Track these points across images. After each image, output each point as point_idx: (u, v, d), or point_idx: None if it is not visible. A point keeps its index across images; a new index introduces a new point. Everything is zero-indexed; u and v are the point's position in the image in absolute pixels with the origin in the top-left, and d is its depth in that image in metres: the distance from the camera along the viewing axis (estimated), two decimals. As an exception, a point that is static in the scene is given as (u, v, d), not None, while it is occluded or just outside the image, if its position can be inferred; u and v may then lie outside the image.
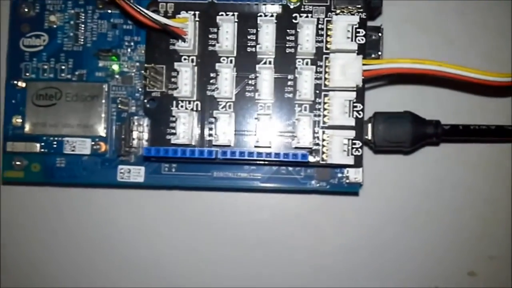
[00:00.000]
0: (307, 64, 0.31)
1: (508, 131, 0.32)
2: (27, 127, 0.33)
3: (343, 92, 0.30)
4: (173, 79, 0.31)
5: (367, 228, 0.35)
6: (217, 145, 0.31)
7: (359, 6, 0.31)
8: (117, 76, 0.33)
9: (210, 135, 0.31)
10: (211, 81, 0.31)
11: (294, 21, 0.31)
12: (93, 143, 0.33)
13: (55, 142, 0.33)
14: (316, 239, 0.35)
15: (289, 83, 0.31)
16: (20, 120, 0.33)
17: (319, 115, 0.31)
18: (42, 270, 0.36)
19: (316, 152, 0.31)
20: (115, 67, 0.33)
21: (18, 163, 0.33)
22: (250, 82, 0.31)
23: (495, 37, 0.35)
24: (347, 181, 0.32)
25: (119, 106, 0.33)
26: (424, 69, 0.29)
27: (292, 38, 0.31)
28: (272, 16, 0.31)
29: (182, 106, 0.31)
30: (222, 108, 0.31)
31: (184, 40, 0.31)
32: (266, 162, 0.32)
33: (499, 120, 0.32)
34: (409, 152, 0.35)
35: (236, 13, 0.31)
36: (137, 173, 0.33)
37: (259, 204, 0.36)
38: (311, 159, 0.31)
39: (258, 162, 0.32)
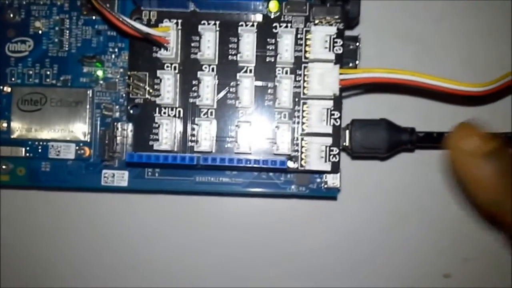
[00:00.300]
0: (286, 73, 0.32)
1: (480, 139, 0.33)
2: (12, 132, 0.34)
3: (321, 100, 0.31)
4: (156, 86, 0.32)
5: (345, 231, 0.36)
6: (198, 151, 0.32)
7: (337, 16, 0.31)
8: (101, 82, 0.34)
9: (192, 141, 0.32)
10: (193, 88, 0.32)
11: (274, 30, 0.32)
12: (77, 147, 0.33)
13: (40, 147, 0.34)
14: (295, 242, 0.36)
15: (269, 91, 0.32)
16: (5, 125, 0.34)
17: (298, 123, 0.32)
18: (25, 271, 0.37)
19: (296, 158, 0.32)
20: (99, 73, 0.34)
21: (3, 167, 0.34)
22: (231, 90, 0.32)
23: (472, 45, 0.36)
24: (326, 186, 0.33)
25: (103, 112, 0.34)
26: (398, 78, 0.30)
27: (272, 47, 0.32)
28: (252, 25, 0.32)
29: (164, 113, 0.32)
30: (204, 115, 0.32)
31: (166, 49, 0.31)
32: (247, 168, 0.33)
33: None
34: (385, 158, 0.36)
35: (217, 22, 0.32)
36: (121, 178, 0.33)
37: (240, 208, 0.37)
38: (291, 165, 0.32)
39: (239, 168, 0.32)
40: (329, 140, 0.31)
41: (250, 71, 0.32)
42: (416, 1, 0.36)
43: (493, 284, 0.36)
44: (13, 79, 0.34)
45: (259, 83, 0.32)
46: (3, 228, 0.37)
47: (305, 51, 0.32)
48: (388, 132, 0.32)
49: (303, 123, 0.32)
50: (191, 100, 0.32)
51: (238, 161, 0.31)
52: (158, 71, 0.32)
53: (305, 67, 0.32)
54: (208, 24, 0.32)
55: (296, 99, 0.32)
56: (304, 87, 0.32)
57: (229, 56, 0.32)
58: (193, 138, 0.32)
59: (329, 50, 0.31)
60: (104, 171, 0.33)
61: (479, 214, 0.27)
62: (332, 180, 0.33)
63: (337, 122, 0.31)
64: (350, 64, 0.32)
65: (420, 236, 0.36)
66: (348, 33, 0.32)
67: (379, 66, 0.30)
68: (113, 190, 0.35)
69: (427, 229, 0.36)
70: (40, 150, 0.34)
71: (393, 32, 0.36)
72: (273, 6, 0.32)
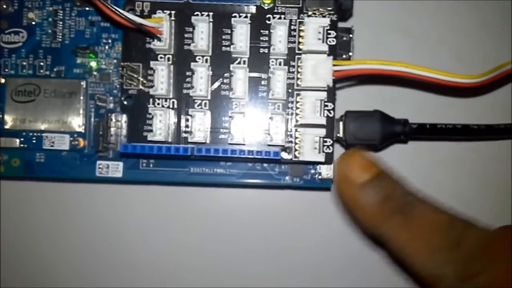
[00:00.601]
0: (280, 64, 0.32)
1: (473, 130, 0.33)
2: (6, 123, 0.34)
3: (314, 91, 0.31)
4: (149, 77, 0.32)
5: (339, 222, 0.36)
6: (192, 142, 0.32)
7: (330, 8, 0.31)
8: (95, 73, 0.34)
9: (186, 132, 0.32)
10: (186, 79, 0.32)
11: (267, 22, 0.32)
12: (71, 139, 0.34)
13: (34, 138, 0.34)
14: (289, 233, 0.37)
15: (263, 82, 0.32)
16: (-1, 116, 0.34)
17: (291, 114, 0.32)
18: (21, 262, 0.37)
19: (289, 149, 0.32)
20: (93, 64, 0.34)
21: (-2, 157, 0.34)
22: (225, 81, 0.32)
23: (466, 37, 0.36)
24: (320, 177, 0.33)
25: (97, 103, 0.34)
26: (391, 70, 0.30)
27: (266, 38, 0.32)
28: (246, 16, 0.32)
29: (158, 104, 0.32)
30: (198, 106, 0.32)
31: (160, 40, 0.31)
32: (241, 159, 0.33)
33: (464, 119, 0.33)
34: (379, 150, 0.35)
35: (211, 13, 0.32)
36: (116, 169, 0.34)
37: (235, 199, 0.37)
38: (285, 156, 0.32)
39: (233, 159, 0.33)
40: (323, 131, 0.31)
41: (244, 62, 0.32)
42: (410, -7, 0.36)
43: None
44: (6, 70, 0.34)
45: (253, 74, 0.32)
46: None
47: (299, 43, 0.32)
48: (382, 124, 0.32)
49: (296, 114, 0.32)
50: (185, 91, 0.32)
51: (232, 152, 0.31)
52: (151, 62, 0.32)
53: (298, 59, 0.32)
54: (202, 15, 0.32)
55: (290, 90, 0.32)
56: (297, 78, 0.32)
57: (223, 47, 0.32)
58: (187, 129, 0.32)
59: (323, 42, 0.31)
60: (98, 162, 0.33)
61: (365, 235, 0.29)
62: (326, 171, 0.33)
63: (330, 113, 0.32)
64: (344, 56, 0.32)
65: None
66: (341, 24, 0.33)
67: (372, 57, 0.31)
68: (107, 181, 0.35)
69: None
70: (34, 141, 0.34)
71: (387, 24, 0.36)
72: (267, -3, 0.32)
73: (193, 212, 0.37)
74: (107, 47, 0.34)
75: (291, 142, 0.32)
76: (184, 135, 0.32)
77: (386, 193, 0.28)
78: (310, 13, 0.32)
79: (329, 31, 0.31)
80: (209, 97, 0.32)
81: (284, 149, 0.32)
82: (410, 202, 0.28)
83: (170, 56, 0.32)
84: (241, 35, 0.31)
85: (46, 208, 0.37)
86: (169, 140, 0.32)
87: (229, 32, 0.32)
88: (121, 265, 0.37)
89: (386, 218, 0.27)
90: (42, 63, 0.34)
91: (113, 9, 0.29)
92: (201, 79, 0.32)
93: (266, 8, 0.32)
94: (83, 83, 0.34)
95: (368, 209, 0.28)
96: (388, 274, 0.36)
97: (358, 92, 0.36)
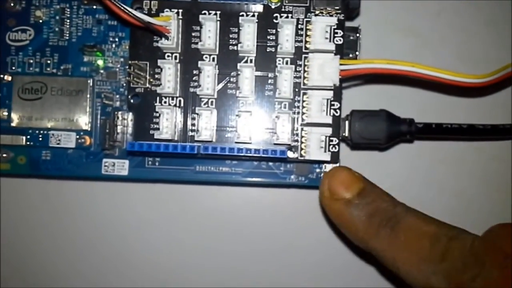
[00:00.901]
0: (286, 63, 0.32)
1: (478, 130, 0.33)
2: (13, 120, 0.34)
3: (321, 91, 0.31)
4: (156, 76, 0.32)
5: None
6: (199, 140, 0.32)
7: (338, 7, 0.32)
8: (101, 71, 0.34)
9: (192, 130, 0.32)
10: (193, 78, 0.32)
11: (274, 21, 0.32)
12: (77, 136, 0.34)
13: (40, 136, 0.34)
14: (294, 231, 0.37)
15: (270, 81, 0.32)
16: (6, 113, 0.34)
17: (298, 113, 0.32)
18: (25, 259, 0.37)
19: (295, 148, 0.32)
20: (100, 62, 0.34)
21: (4, 155, 0.34)
22: (231, 79, 0.32)
23: (471, 37, 0.37)
24: (325, 176, 0.33)
25: (104, 101, 0.34)
26: (398, 69, 0.30)
27: (273, 37, 0.32)
28: (253, 15, 0.32)
29: (165, 102, 0.32)
30: (204, 104, 0.32)
31: (167, 38, 0.31)
32: (247, 157, 0.33)
33: (470, 119, 0.33)
34: (384, 149, 0.36)
35: (218, 12, 0.32)
36: (121, 167, 0.34)
37: (240, 197, 0.37)
38: (290, 154, 0.32)
39: (239, 157, 0.33)
40: (328, 131, 0.31)
41: (251, 61, 0.32)
42: (416, -7, 0.37)
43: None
44: (13, 68, 0.34)
45: (260, 73, 0.32)
46: (3, 216, 0.37)
47: (306, 42, 0.32)
48: (387, 123, 0.32)
49: (303, 113, 0.32)
50: (191, 90, 0.32)
51: (238, 151, 0.31)
52: (159, 61, 0.32)
53: (305, 58, 0.32)
54: (209, 14, 0.32)
55: (296, 89, 0.32)
56: (304, 78, 0.32)
57: (230, 46, 0.32)
58: (193, 128, 0.32)
59: (330, 41, 0.31)
60: (104, 160, 0.34)
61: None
62: (331, 170, 0.33)
63: (337, 112, 0.32)
64: (350, 55, 0.32)
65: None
66: (348, 24, 0.33)
67: (379, 57, 0.31)
68: (113, 179, 0.35)
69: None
70: (40, 139, 0.34)
71: (393, 24, 0.37)
72: (274, -4, 0.32)
73: (198, 210, 0.37)
74: (114, 45, 0.34)
75: (297, 141, 0.32)
76: (190, 133, 0.32)
77: (371, 209, 0.28)
78: (317, 12, 0.32)
79: (336, 30, 0.31)
80: (215, 96, 0.32)
81: (290, 148, 0.32)
82: (395, 215, 0.28)
83: (178, 55, 0.32)
84: (248, 34, 0.32)
85: (51, 206, 0.37)
86: (176, 139, 0.32)
87: (236, 31, 0.32)
88: (126, 263, 0.37)
89: (373, 233, 0.28)
90: (49, 61, 0.34)
91: (121, 8, 0.29)
92: (208, 77, 0.32)
93: (273, 7, 0.32)
94: (90, 81, 0.34)
95: (355, 225, 0.28)
96: (390, 274, 0.36)
97: (364, 91, 0.36)
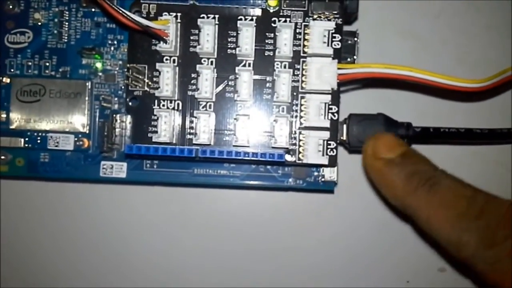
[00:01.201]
0: (285, 67, 0.32)
1: (476, 134, 0.33)
2: (11, 123, 0.34)
3: (319, 94, 0.32)
4: (155, 79, 0.32)
5: (341, 224, 0.37)
6: (197, 143, 0.32)
7: (336, 12, 0.32)
8: (100, 74, 0.34)
9: (190, 133, 0.32)
10: (192, 81, 0.32)
11: (273, 25, 0.32)
12: (76, 139, 0.34)
13: (39, 138, 0.34)
14: (292, 235, 0.37)
15: (268, 85, 0.32)
16: (4, 116, 0.34)
17: (295, 116, 0.32)
18: (24, 261, 0.37)
19: (293, 152, 0.32)
20: (98, 65, 0.34)
21: (2, 157, 0.34)
22: (230, 83, 0.32)
23: (471, 40, 0.37)
24: (323, 179, 0.33)
25: (102, 104, 0.34)
26: (395, 74, 0.30)
27: (271, 41, 0.32)
28: (252, 19, 0.32)
29: (163, 105, 0.32)
30: (203, 108, 0.32)
31: (165, 41, 0.32)
32: (245, 161, 0.33)
33: (468, 123, 0.34)
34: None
35: (217, 16, 0.32)
36: (120, 169, 0.34)
37: (238, 200, 0.37)
38: (288, 158, 0.32)
39: (237, 160, 0.33)
40: (326, 134, 0.32)
41: (249, 64, 0.32)
42: (414, -3, 0.37)
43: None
44: (12, 70, 0.34)
45: (258, 77, 0.32)
46: (2, 218, 0.37)
47: (304, 46, 0.32)
48: (385, 127, 0.32)
49: (301, 117, 0.32)
50: (190, 93, 0.32)
51: (237, 154, 0.31)
52: (157, 64, 0.32)
53: (303, 62, 0.32)
54: (208, 17, 0.32)
55: (294, 93, 0.32)
56: (302, 81, 0.32)
57: (228, 50, 0.32)
58: (191, 131, 0.32)
59: (328, 45, 0.31)
60: (102, 162, 0.34)
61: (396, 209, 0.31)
62: (329, 174, 0.33)
63: (334, 116, 0.32)
64: (348, 59, 0.33)
65: (415, 230, 0.37)
66: (346, 28, 0.33)
67: (377, 61, 0.31)
68: (111, 182, 0.35)
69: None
70: (39, 141, 0.34)
71: (391, 28, 0.37)
72: (273, 0, 0.32)
73: (196, 213, 0.37)
74: (112, 48, 0.34)
75: (295, 144, 0.32)
76: (188, 136, 0.32)
77: (411, 169, 0.29)
78: (315, 16, 0.32)
79: (334, 35, 0.31)
80: (214, 99, 0.32)
81: (288, 151, 0.32)
82: (434, 176, 0.29)
83: (176, 58, 0.32)
84: (246, 38, 0.32)
85: (49, 208, 0.37)
86: (174, 142, 0.32)
87: (235, 34, 0.32)
88: (125, 266, 0.37)
89: (411, 190, 0.29)
90: (47, 64, 0.34)
91: (119, 11, 0.29)
92: (206, 81, 0.32)
93: (271, 11, 0.32)
94: (88, 84, 0.34)
95: (395, 183, 0.29)
96: (389, 274, 0.37)
97: (362, 95, 0.36)
